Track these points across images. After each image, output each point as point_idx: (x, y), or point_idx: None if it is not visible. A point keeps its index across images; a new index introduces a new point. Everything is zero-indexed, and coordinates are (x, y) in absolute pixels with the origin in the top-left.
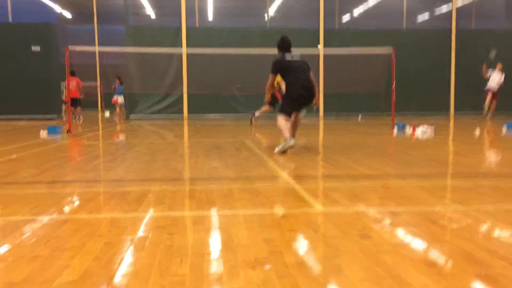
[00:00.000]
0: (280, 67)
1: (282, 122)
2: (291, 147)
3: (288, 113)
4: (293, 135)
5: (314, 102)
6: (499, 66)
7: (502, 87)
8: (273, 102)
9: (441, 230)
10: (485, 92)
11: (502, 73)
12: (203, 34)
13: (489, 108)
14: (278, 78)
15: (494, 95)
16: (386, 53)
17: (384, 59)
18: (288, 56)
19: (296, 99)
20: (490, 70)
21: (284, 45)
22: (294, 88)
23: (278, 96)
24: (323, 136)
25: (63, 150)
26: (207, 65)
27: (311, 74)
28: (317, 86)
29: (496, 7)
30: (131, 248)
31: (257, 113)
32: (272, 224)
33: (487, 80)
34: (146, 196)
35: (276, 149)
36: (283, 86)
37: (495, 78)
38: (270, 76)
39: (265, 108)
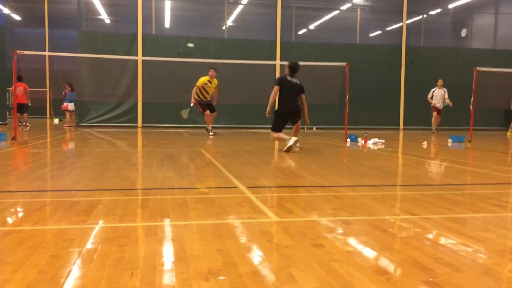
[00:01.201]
0: (281, 82)
1: (275, 135)
2: (296, 142)
3: (278, 130)
4: (295, 135)
5: (304, 121)
6: (440, 82)
7: (451, 102)
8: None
9: (391, 238)
10: (431, 110)
11: (444, 89)
12: (160, 42)
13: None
14: (199, 83)
15: (439, 111)
16: (340, 66)
17: (338, 72)
18: (289, 77)
19: (282, 115)
20: (432, 90)
21: (291, 67)
22: (283, 106)
23: (198, 105)
24: (278, 147)
25: (7, 158)
26: (163, 73)
27: (303, 96)
28: (306, 106)
29: (443, 25)
30: (79, 261)
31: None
32: (227, 234)
33: (430, 101)
34: (96, 207)
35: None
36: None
37: (438, 95)
38: (274, 88)
39: (207, 118)
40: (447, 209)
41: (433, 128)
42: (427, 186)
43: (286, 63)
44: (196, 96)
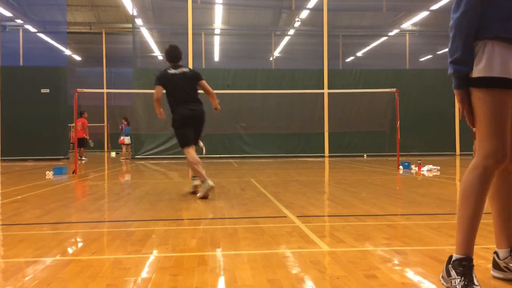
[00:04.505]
0: (162, 79)
1: (192, 158)
2: (212, 188)
3: (189, 143)
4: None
5: (214, 107)
6: None
7: None
8: None
9: None
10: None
11: None
12: (209, 75)
13: None
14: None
15: None
16: (390, 92)
17: (388, 99)
18: (170, 70)
19: (183, 122)
20: None
21: (169, 55)
22: (179, 110)
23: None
24: (328, 175)
25: (68, 190)
26: (212, 105)
27: (202, 82)
28: (212, 91)
29: None
30: None
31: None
32: (277, 264)
33: None
34: (150, 237)
35: (199, 194)
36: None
37: None
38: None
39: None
40: None
41: None
42: (487, 214)
43: (334, 91)
44: None
